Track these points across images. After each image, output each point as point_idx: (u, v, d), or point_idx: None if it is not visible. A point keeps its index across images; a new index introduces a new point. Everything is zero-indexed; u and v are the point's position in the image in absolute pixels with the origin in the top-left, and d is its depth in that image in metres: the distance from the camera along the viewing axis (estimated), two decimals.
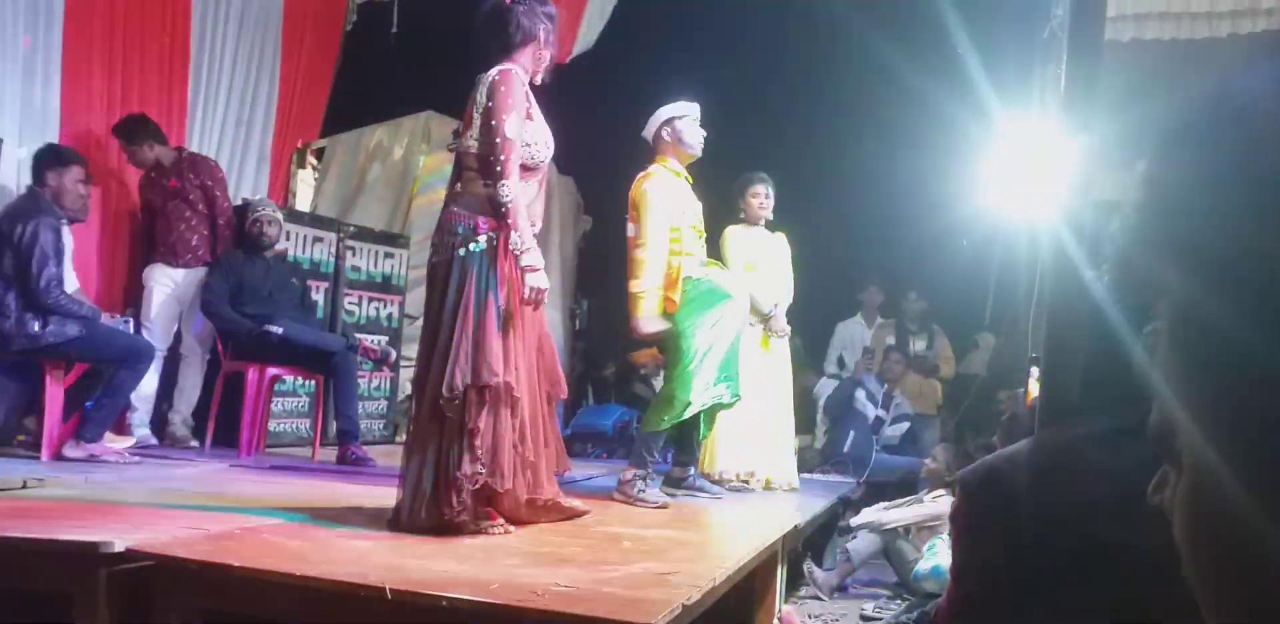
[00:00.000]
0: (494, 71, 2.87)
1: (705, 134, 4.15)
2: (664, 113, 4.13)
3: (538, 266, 2.82)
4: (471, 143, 2.88)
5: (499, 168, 2.78)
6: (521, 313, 2.81)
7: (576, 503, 3.09)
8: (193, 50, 5.76)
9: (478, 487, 2.66)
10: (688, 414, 3.88)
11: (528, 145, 2.87)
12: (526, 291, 2.78)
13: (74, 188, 4.13)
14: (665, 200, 4.00)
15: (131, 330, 4.57)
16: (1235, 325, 0.38)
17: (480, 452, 2.66)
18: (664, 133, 4.11)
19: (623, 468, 3.96)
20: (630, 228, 4.05)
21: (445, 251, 2.83)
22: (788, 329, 4.95)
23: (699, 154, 4.14)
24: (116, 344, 4.18)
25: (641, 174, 4.07)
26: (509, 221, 2.77)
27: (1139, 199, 0.44)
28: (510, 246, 2.78)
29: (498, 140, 2.79)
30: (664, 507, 3.74)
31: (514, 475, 2.73)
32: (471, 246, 2.78)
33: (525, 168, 2.89)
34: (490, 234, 2.80)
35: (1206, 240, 0.39)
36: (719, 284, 3.99)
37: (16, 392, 4.25)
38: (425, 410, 2.77)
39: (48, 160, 4.13)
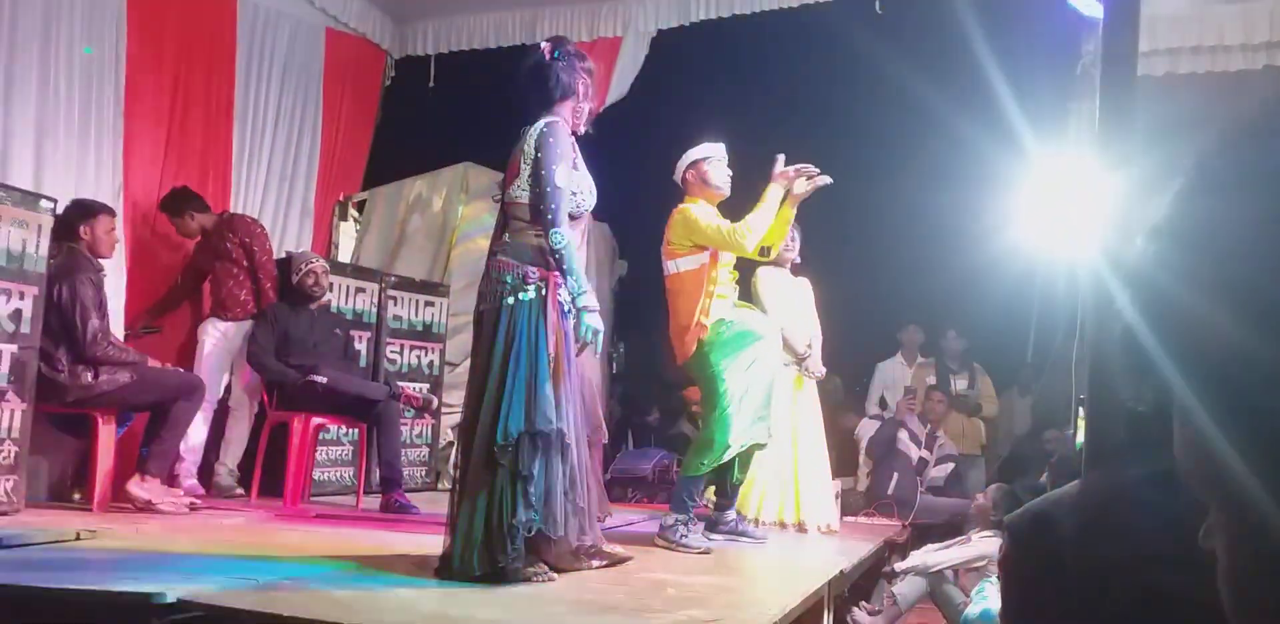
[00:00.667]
0: (541, 123, 2.95)
1: (731, 174, 4.17)
2: (690, 155, 4.17)
3: (595, 308, 2.87)
4: (520, 193, 2.94)
5: (550, 216, 2.84)
6: (569, 360, 2.84)
7: (619, 549, 3.08)
8: (237, 108, 5.94)
9: (531, 534, 2.67)
10: (727, 457, 3.86)
11: (574, 194, 2.93)
12: (585, 332, 2.82)
13: (106, 237, 4.25)
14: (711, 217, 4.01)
15: None
16: (1273, 359, 0.39)
17: (533, 498, 2.67)
18: (689, 175, 4.15)
19: (664, 513, 3.95)
20: (672, 265, 4.03)
21: (493, 300, 2.86)
22: (823, 370, 4.91)
23: (727, 193, 4.16)
24: (169, 382, 4.28)
25: (677, 208, 4.10)
26: (563, 268, 2.82)
27: (1174, 233, 0.44)
28: (569, 291, 2.82)
29: (548, 190, 2.85)
30: (706, 552, 3.71)
31: (565, 522, 2.74)
32: (521, 295, 2.82)
33: (570, 216, 2.95)
34: (539, 283, 2.84)
35: (1243, 274, 0.40)
36: (751, 326, 3.99)
37: (71, 448, 4.34)
38: (476, 458, 2.78)
39: (76, 215, 4.19)
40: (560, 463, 2.74)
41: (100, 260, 4.23)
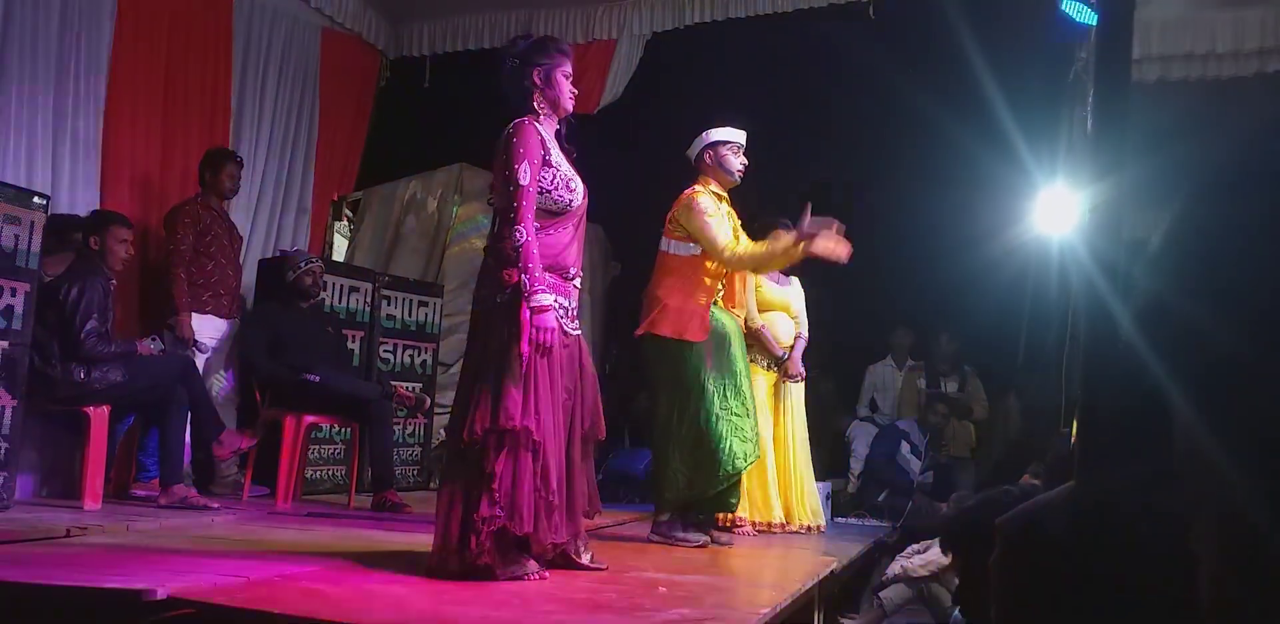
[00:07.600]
0: (510, 126, 2.98)
1: (746, 164, 4.15)
2: (711, 135, 4.14)
3: (545, 307, 2.81)
4: (497, 195, 2.99)
5: (512, 214, 2.87)
6: (547, 357, 2.83)
7: (590, 561, 3.02)
8: (234, 108, 5.94)
9: (495, 530, 2.68)
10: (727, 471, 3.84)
11: (545, 191, 2.93)
12: (534, 333, 2.80)
13: (118, 247, 4.34)
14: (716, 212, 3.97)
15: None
16: (1269, 367, 0.39)
17: (499, 495, 2.68)
18: (706, 155, 4.12)
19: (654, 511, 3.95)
20: (665, 243, 4.03)
21: (481, 302, 2.93)
22: (802, 372, 4.91)
23: (738, 181, 4.14)
24: (160, 369, 4.31)
25: (688, 191, 4.06)
26: (517, 264, 2.82)
27: (1175, 243, 0.45)
28: (522, 288, 2.81)
29: (511, 189, 2.88)
30: (703, 545, 3.71)
31: (536, 519, 2.73)
32: (499, 297, 2.85)
33: (550, 213, 2.95)
34: (515, 283, 2.85)
35: (1243, 285, 0.40)
36: (725, 326, 4.01)
37: (64, 445, 4.35)
38: (451, 456, 2.84)
39: (90, 225, 4.37)
40: (530, 460, 2.74)
41: (110, 270, 4.31)
